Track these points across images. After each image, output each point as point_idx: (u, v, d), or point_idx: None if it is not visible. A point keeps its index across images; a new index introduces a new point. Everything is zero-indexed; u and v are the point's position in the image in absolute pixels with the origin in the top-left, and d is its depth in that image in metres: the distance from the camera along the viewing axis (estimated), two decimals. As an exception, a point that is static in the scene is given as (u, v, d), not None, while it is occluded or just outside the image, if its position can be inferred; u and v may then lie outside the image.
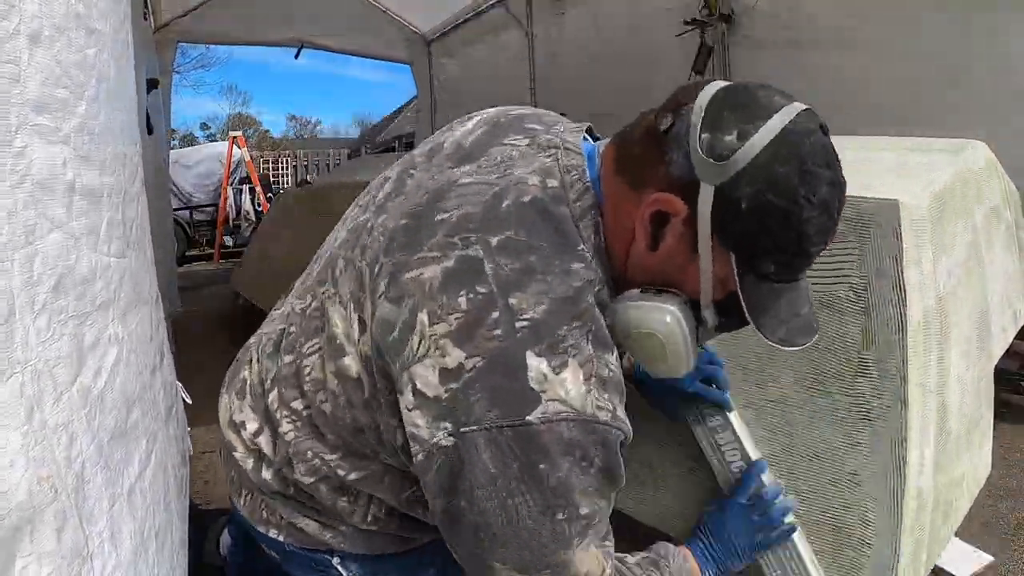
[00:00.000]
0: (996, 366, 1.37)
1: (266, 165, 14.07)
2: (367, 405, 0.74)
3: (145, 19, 3.90)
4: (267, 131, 28.93)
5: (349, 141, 23.48)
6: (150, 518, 0.77)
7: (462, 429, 0.65)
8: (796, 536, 0.97)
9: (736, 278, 0.69)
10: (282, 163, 14.77)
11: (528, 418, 0.63)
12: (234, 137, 9.77)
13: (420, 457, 0.68)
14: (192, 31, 4.92)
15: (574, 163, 0.74)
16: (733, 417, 1.03)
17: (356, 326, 0.73)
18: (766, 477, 0.99)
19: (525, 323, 0.65)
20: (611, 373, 0.69)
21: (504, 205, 0.70)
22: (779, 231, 0.66)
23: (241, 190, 9.68)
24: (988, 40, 2.48)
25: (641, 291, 0.74)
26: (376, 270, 0.72)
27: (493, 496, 0.65)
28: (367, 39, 5.50)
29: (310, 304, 0.81)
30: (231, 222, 9.48)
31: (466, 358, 0.65)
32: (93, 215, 0.63)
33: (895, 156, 1.30)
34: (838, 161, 0.69)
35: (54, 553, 0.54)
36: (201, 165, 10.36)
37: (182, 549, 0.89)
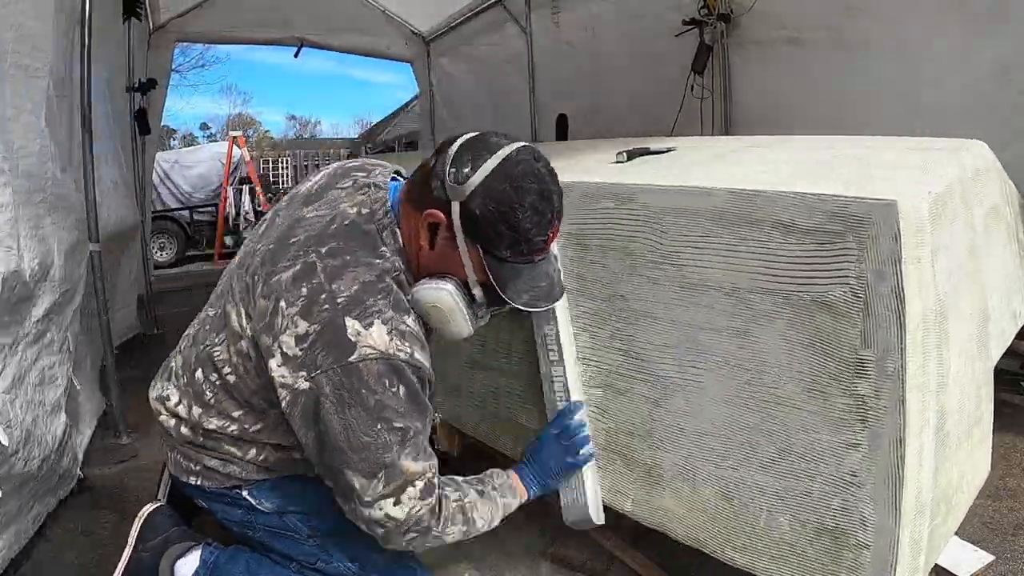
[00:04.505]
0: (996, 366, 1.37)
1: (266, 165, 14.04)
2: (256, 373, 1.07)
3: (140, 20, 3.90)
4: (267, 131, 28.84)
5: (349, 141, 23.42)
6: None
7: (312, 374, 0.98)
8: (587, 466, 1.27)
9: (484, 262, 1.04)
10: (282, 163, 14.76)
11: (350, 360, 0.97)
12: (234, 137, 9.76)
13: (288, 399, 1.01)
14: (191, 31, 4.90)
15: (380, 196, 1.11)
16: (567, 348, 1.31)
17: (244, 319, 1.07)
18: (578, 416, 1.28)
19: (343, 299, 0.99)
20: (408, 328, 1.02)
21: (332, 228, 1.06)
22: (503, 228, 1.01)
23: (241, 190, 9.67)
24: (988, 40, 2.47)
25: (428, 278, 1.08)
26: (255, 279, 1.06)
27: (337, 418, 0.97)
28: (366, 38, 5.49)
29: (218, 311, 1.16)
30: (231, 222, 9.46)
31: (309, 326, 0.98)
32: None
33: (894, 156, 1.29)
34: (550, 178, 1.04)
35: None
36: (201, 165, 10.32)
37: None
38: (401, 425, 0.98)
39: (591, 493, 1.28)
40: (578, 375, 1.31)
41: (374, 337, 0.97)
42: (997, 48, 2.43)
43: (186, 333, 1.25)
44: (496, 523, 1.16)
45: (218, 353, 1.11)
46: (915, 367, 0.92)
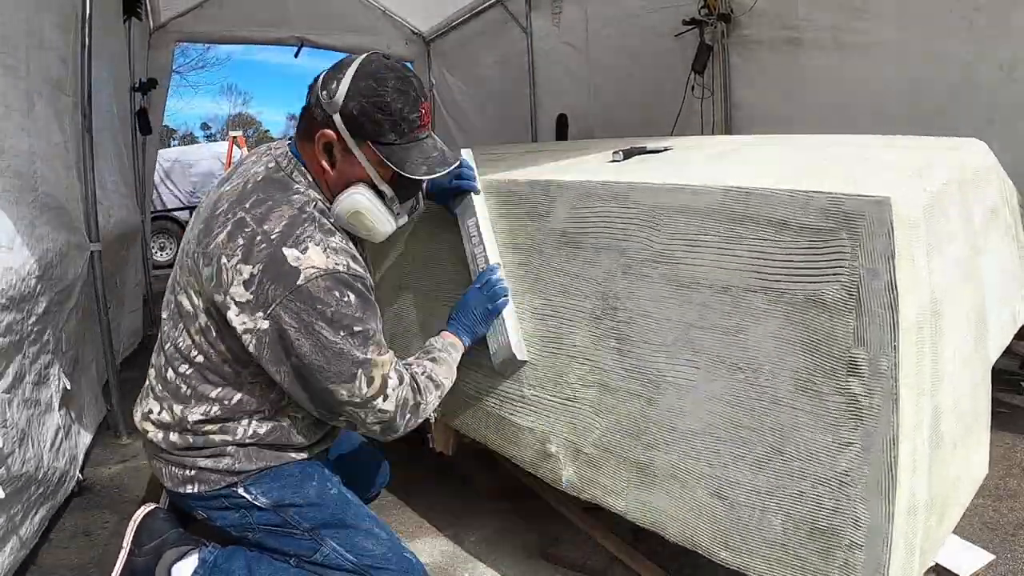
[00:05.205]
0: (995, 365, 1.36)
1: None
2: (219, 338, 1.15)
3: (140, 19, 3.91)
4: (267, 131, 28.87)
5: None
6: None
7: (268, 310, 1.07)
8: (505, 311, 1.41)
9: (378, 152, 1.15)
10: (283, 163, 14.70)
11: (298, 283, 1.06)
12: (234, 137, 9.78)
13: (254, 342, 1.09)
14: (191, 31, 4.91)
15: (280, 151, 1.24)
16: (486, 231, 1.47)
17: (193, 296, 1.16)
18: (495, 274, 1.42)
19: (276, 235, 1.09)
20: (337, 245, 1.14)
21: (248, 187, 1.18)
22: (379, 115, 1.13)
23: (242, 190, 9.65)
24: (989, 40, 2.46)
25: (341, 193, 1.18)
26: (195, 257, 1.15)
27: (304, 340, 1.07)
28: (366, 38, 5.49)
29: (170, 311, 1.23)
30: (232, 222, 9.44)
31: (253, 268, 1.08)
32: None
33: (893, 155, 1.29)
34: (402, 68, 1.17)
35: None
36: (201, 165, 10.34)
37: None
38: (360, 328, 1.10)
39: (512, 333, 1.40)
40: (496, 252, 1.47)
41: (313, 258, 1.08)
42: (1001, 48, 2.42)
43: (153, 350, 1.30)
44: (454, 377, 1.32)
45: (182, 342, 1.18)
46: (909, 366, 0.91)
